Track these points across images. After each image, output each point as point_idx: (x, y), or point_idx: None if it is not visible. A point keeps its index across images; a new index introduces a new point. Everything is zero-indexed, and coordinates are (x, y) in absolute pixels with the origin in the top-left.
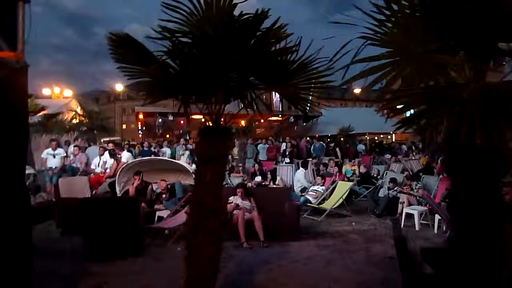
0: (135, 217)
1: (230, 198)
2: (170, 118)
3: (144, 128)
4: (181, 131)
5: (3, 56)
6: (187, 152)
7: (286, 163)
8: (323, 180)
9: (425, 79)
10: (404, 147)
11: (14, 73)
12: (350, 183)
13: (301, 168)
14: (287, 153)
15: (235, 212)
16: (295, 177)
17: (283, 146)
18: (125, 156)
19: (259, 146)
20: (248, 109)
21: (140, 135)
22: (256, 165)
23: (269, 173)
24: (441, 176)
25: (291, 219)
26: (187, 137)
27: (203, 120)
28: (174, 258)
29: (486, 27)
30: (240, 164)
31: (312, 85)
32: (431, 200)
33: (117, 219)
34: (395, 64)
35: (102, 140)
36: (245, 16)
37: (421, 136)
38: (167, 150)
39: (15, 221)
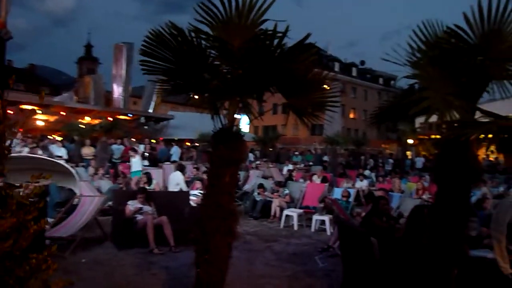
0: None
1: (129, 202)
2: None
3: None
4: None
5: None
6: (26, 149)
7: (144, 165)
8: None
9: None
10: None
11: None
12: None
13: (177, 171)
14: (145, 155)
15: (140, 217)
16: (172, 180)
17: (141, 148)
18: None
19: (114, 147)
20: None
21: None
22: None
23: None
24: (307, 182)
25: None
26: (15, 130)
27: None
28: (86, 271)
29: None
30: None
31: (325, 103)
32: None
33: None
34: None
35: None
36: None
37: None
38: None
39: None
